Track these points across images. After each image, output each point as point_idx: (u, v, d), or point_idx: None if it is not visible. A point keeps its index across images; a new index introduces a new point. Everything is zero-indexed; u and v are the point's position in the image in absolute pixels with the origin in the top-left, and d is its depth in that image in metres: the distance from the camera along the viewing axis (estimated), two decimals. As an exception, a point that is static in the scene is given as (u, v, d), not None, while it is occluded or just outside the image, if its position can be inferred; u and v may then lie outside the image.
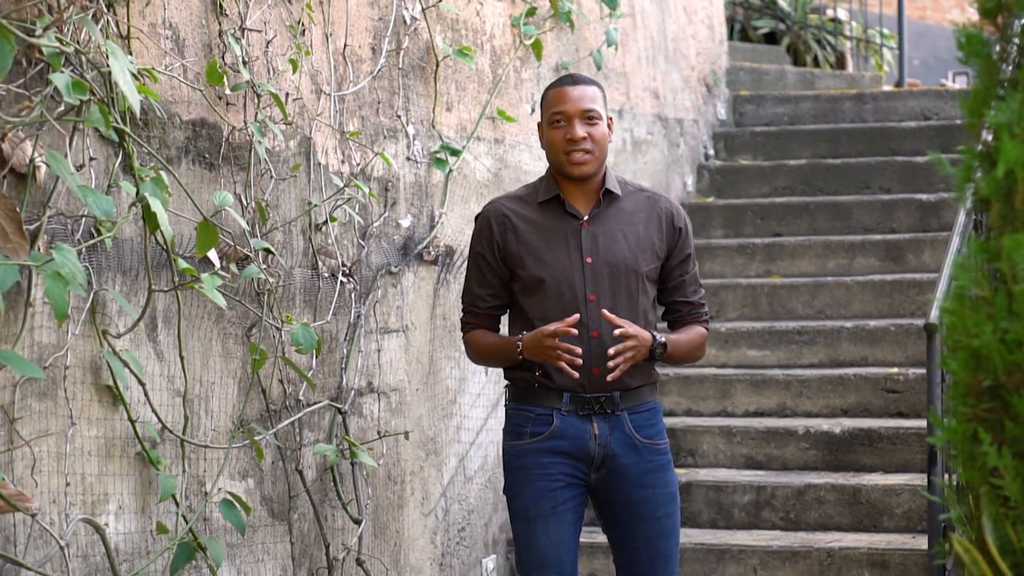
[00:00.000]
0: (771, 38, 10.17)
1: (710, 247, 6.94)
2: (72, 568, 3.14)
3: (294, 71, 4.03)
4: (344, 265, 4.29)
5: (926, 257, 6.57)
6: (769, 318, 6.51)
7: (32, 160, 3.00)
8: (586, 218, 3.71)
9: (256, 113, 3.86)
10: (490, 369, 4.99)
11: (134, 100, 3.02)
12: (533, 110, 5.57)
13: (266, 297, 3.88)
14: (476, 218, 3.81)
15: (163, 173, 3.29)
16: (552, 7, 5.71)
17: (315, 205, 4.15)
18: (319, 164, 4.21)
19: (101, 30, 3.18)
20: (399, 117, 4.65)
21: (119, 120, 3.22)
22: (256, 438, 3.77)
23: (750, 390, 6.01)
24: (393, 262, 4.60)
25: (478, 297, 3.78)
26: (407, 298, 4.69)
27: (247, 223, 3.79)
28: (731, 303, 6.60)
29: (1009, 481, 2.42)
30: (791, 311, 6.50)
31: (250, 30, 3.85)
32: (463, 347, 3.91)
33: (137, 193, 3.21)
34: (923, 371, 5.42)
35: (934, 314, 4.39)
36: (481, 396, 5.11)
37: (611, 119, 3.74)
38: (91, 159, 3.23)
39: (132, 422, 3.35)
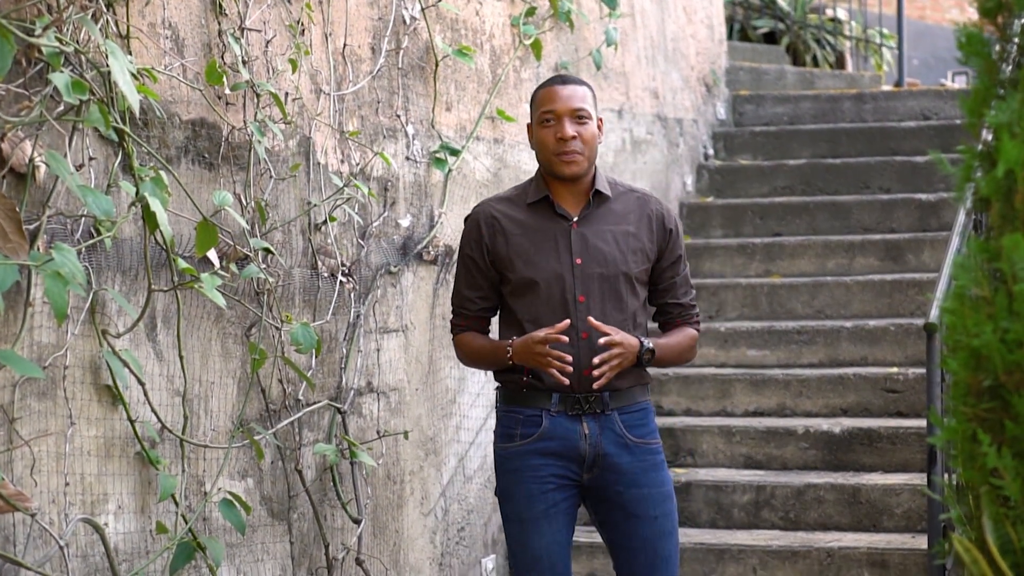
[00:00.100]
0: (771, 38, 10.17)
1: (709, 247, 6.94)
2: (72, 568, 3.14)
3: (293, 71, 4.02)
4: (343, 265, 4.29)
5: (926, 257, 6.57)
6: (769, 318, 6.51)
7: (32, 160, 2.99)
8: (576, 219, 3.70)
9: (256, 113, 3.86)
10: (489, 369, 4.99)
11: (133, 100, 3.02)
12: (533, 110, 5.56)
13: (266, 297, 3.88)
14: (465, 220, 3.81)
15: (163, 173, 3.28)
16: (552, 7, 5.71)
17: (315, 205, 4.15)
18: (318, 164, 4.21)
19: (100, 30, 3.17)
20: (399, 117, 4.64)
21: (119, 120, 3.22)
22: (256, 438, 3.77)
23: (750, 390, 6.01)
24: (392, 262, 4.60)
25: (467, 299, 3.78)
26: (406, 298, 4.69)
27: (247, 223, 3.79)
28: (731, 303, 6.60)
29: (1009, 481, 2.42)
30: (791, 311, 6.50)
31: (249, 30, 3.85)
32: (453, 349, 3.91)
33: (137, 193, 3.21)
34: (923, 371, 5.42)
35: (934, 314, 4.39)
36: (480, 396, 5.11)
37: (601, 120, 3.73)
38: (91, 159, 3.23)
39: (131, 422, 3.34)
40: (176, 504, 3.49)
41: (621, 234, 3.71)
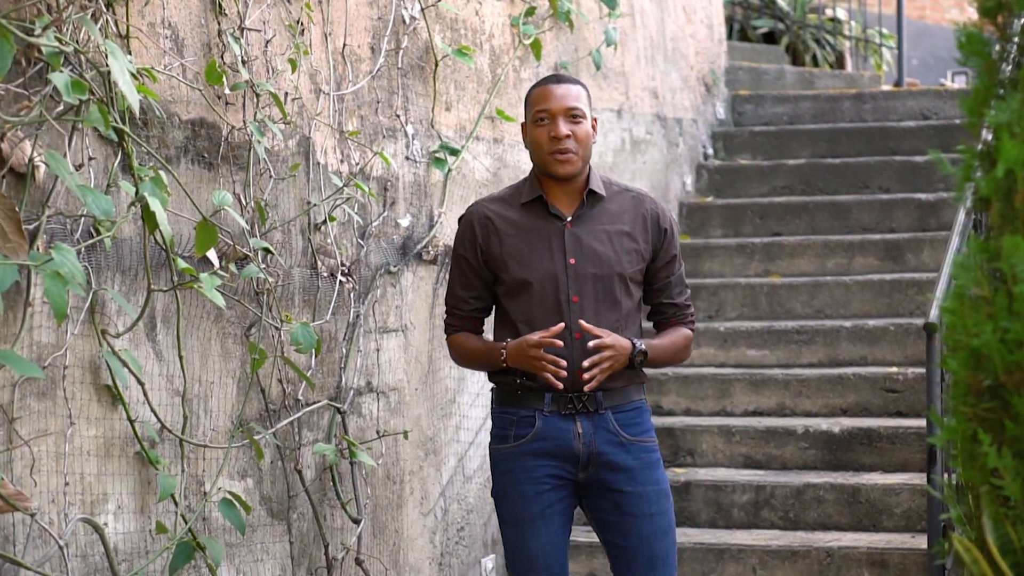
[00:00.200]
0: (770, 38, 10.17)
1: (709, 247, 6.94)
2: (71, 568, 3.14)
3: (293, 71, 4.02)
4: (343, 265, 4.29)
5: (925, 256, 6.57)
6: (768, 318, 6.51)
7: (31, 159, 2.99)
8: (569, 219, 3.69)
9: (255, 113, 3.86)
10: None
11: (133, 100, 3.02)
12: (532, 109, 5.56)
13: (265, 297, 3.88)
14: (459, 220, 3.80)
15: (162, 173, 3.28)
16: (551, 7, 5.71)
17: (314, 205, 4.15)
18: (318, 164, 4.21)
19: (100, 29, 3.17)
20: (398, 117, 4.64)
21: (118, 120, 3.22)
22: (255, 438, 3.77)
23: (749, 390, 6.01)
24: (392, 262, 4.60)
25: (461, 300, 3.78)
26: (406, 298, 4.69)
27: (246, 223, 3.79)
28: (730, 303, 6.60)
29: (1009, 481, 2.42)
30: (790, 311, 6.50)
31: (249, 29, 3.85)
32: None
33: (136, 193, 3.21)
34: (922, 370, 5.43)
35: (934, 313, 4.39)
36: (480, 396, 5.11)
37: (595, 120, 3.72)
38: (90, 159, 3.22)
39: (131, 422, 3.34)
40: (176, 504, 3.49)
41: (615, 234, 3.70)
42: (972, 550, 2.51)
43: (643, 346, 3.64)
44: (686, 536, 5.30)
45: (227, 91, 3.75)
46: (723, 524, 5.46)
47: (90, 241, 3.18)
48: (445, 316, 3.83)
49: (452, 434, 4.96)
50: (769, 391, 5.98)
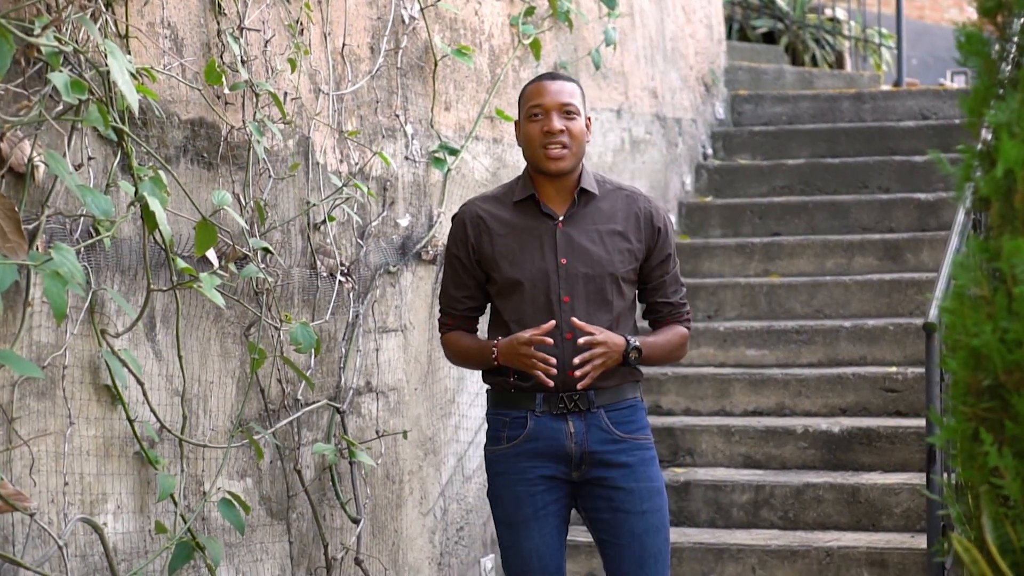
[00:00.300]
0: (769, 37, 10.17)
1: (708, 246, 6.94)
2: (71, 568, 3.14)
3: (292, 70, 4.02)
4: (343, 264, 4.29)
5: (924, 256, 6.57)
6: (768, 317, 6.51)
7: (31, 159, 2.99)
8: (561, 218, 3.68)
9: (255, 112, 3.85)
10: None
11: (132, 99, 3.02)
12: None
13: (265, 296, 3.88)
14: (452, 219, 3.80)
15: (162, 172, 3.28)
16: (551, 6, 5.70)
17: (314, 204, 4.15)
18: (317, 163, 4.21)
19: (100, 29, 3.17)
20: (398, 116, 4.64)
21: (118, 119, 3.22)
22: (255, 437, 3.77)
23: (749, 389, 6.01)
24: (391, 261, 4.60)
25: (455, 299, 3.78)
26: (405, 297, 4.69)
27: (246, 222, 3.78)
28: (729, 302, 6.60)
29: (1009, 480, 2.42)
30: (790, 310, 6.50)
31: (248, 29, 3.85)
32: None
33: (136, 192, 3.21)
34: (922, 370, 5.43)
35: (933, 313, 4.40)
36: (479, 395, 5.11)
37: (589, 119, 3.72)
38: (90, 158, 3.22)
39: (131, 421, 3.34)
40: (175, 504, 3.49)
41: (608, 233, 3.68)
42: (971, 550, 2.51)
43: (637, 342, 3.62)
44: (685, 536, 5.30)
45: (226, 91, 3.75)
46: (722, 524, 5.46)
47: (89, 241, 3.18)
48: (439, 315, 3.83)
49: (451, 434, 4.96)
50: (768, 391, 5.98)
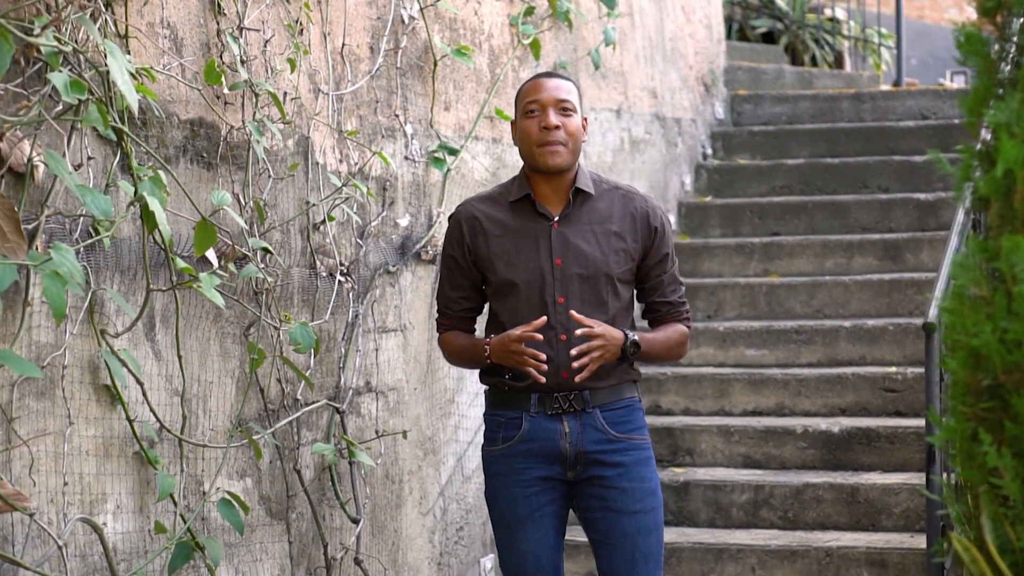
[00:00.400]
0: (769, 37, 10.18)
1: (708, 246, 6.94)
2: (70, 568, 3.14)
3: (292, 70, 4.02)
4: (342, 264, 4.29)
5: (924, 256, 6.58)
6: (767, 317, 6.51)
7: (30, 159, 2.99)
8: (557, 219, 3.67)
9: (254, 112, 3.85)
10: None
11: (132, 99, 3.02)
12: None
13: (264, 296, 3.88)
14: (448, 219, 3.80)
15: (161, 172, 3.28)
16: (550, 6, 5.70)
17: (313, 204, 4.15)
18: (317, 163, 4.21)
19: (99, 29, 3.17)
20: (397, 116, 4.64)
21: (117, 119, 3.22)
22: (254, 437, 3.77)
23: (748, 389, 6.01)
24: (391, 261, 4.60)
25: (451, 299, 3.77)
26: (405, 297, 4.69)
27: (245, 222, 3.78)
28: (729, 302, 6.60)
29: (1008, 480, 2.42)
30: (789, 310, 6.50)
31: (248, 29, 3.85)
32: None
33: (135, 192, 3.21)
34: (921, 370, 5.43)
35: (933, 313, 4.40)
36: (479, 395, 5.10)
37: (586, 119, 3.71)
38: (89, 158, 3.22)
39: (130, 421, 3.34)
40: (175, 504, 3.49)
41: (603, 234, 3.67)
42: (971, 550, 2.51)
43: (635, 337, 3.61)
44: (685, 536, 5.30)
45: (226, 91, 3.75)
46: (722, 524, 5.46)
47: (89, 241, 3.18)
48: (437, 315, 3.83)
49: (451, 434, 4.96)
50: (768, 391, 5.99)
